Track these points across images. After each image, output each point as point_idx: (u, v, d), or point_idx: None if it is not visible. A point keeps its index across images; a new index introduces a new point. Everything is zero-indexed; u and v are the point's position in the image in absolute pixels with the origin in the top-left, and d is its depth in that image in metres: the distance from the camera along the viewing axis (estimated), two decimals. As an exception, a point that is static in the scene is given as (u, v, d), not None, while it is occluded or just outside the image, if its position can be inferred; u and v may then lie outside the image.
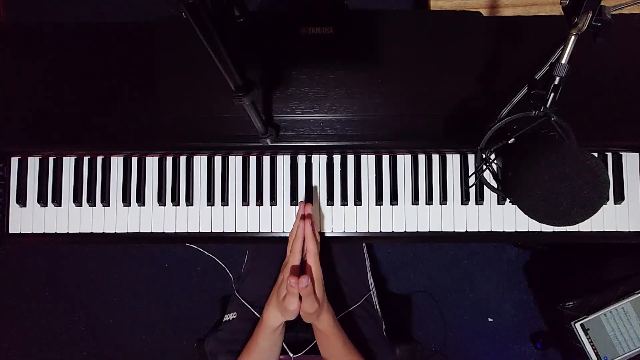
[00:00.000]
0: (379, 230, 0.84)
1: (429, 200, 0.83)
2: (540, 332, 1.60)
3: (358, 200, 0.84)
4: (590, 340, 1.14)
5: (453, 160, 0.84)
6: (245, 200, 0.84)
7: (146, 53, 0.80)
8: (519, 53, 0.79)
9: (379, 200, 0.84)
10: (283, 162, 0.85)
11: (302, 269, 0.73)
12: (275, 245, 0.95)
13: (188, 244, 1.50)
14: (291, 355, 0.84)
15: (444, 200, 0.84)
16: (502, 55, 0.79)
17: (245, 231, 0.84)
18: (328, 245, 0.96)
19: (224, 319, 0.97)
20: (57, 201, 0.84)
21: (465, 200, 0.84)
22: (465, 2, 0.97)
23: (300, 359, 0.85)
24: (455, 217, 0.84)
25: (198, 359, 1.01)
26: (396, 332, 1.01)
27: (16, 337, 1.65)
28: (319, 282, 0.71)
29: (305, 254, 0.74)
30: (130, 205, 0.85)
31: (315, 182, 0.85)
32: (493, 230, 0.84)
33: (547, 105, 0.55)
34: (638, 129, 0.79)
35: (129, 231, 0.84)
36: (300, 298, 0.69)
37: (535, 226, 0.84)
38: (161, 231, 0.84)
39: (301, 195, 0.85)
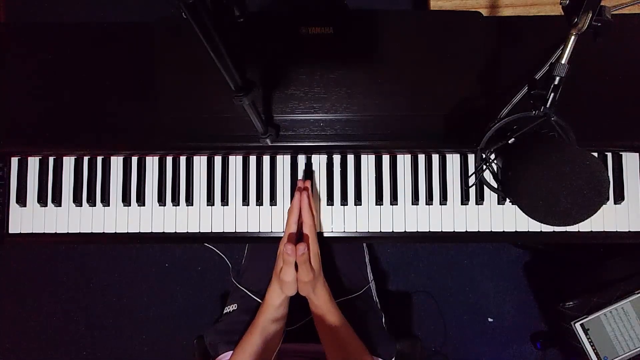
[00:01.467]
0: (379, 230, 0.84)
1: (429, 200, 0.83)
2: (540, 332, 1.60)
3: (358, 200, 0.84)
4: (590, 340, 1.14)
5: (453, 160, 0.84)
6: (245, 200, 0.84)
7: (146, 53, 0.80)
8: (519, 53, 0.79)
9: (379, 200, 0.84)
10: (283, 162, 0.85)
11: (299, 240, 0.75)
12: (276, 244, 0.96)
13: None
14: (285, 328, 0.84)
15: (444, 200, 0.84)
16: (502, 55, 0.79)
17: (245, 231, 0.84)
18: (327, 242, 0.96)
19: (224, 311, 0.98)
20: (57, 201, 0.84)
21: (465, 200, 0.84)
22: (465, 2, 0.97)
23: (291, 346, 0.85)
24: (455, 217, 0.84)
25: (198, 353, 1.01)
26: (396, 330, 1.01)
27: (16, 338, 1.65)
28: (314, 254, 0.74)
29: (302, 226, 0.76)
30: (130, 205, 0.85)
31: (315, 182, 0.85)
32: (493, 230, 0.84)
33: (547, 105, 0.55)
34: (638, 129, 0.79)
35: (129, 231, 0.84)
36: (296, 268, 0.71)
37: (535, 226, 0.84)
38: (161, 231, 0.84)
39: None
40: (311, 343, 0.83)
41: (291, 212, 0.76)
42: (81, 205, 0.85)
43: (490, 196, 0.84)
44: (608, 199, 0.83)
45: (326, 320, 0.77)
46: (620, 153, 0.84)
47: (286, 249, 0.69)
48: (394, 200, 0.84)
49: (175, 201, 0.84)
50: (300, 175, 0.85)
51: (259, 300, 0.91)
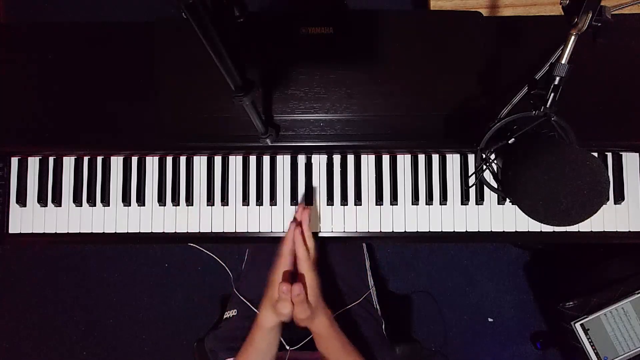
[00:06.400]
0: (379, 230, 0.84)
1: (429, 200, 0.83)
2: (540, 332, 1.60)
3: (358, 200, 0.84)
4: (590, 340, 1.14)
5: (453, 160, 0.84)
6: (245, 200, 0.84)
7: (146, 53, 0.79)
8: (519, 53, 0.79)
9: (379, 200, 0.84)
10: (283, 162, 0.85)
11: (296, 271, 0.73)
12: (276, 245, 0.95)
13: (190, 244, 1.51)
14: (288, 348, 0.84)
15: (444, 200, 0.84)
16: (502, 55, 0.79)
17: (245, 231, 0.84)
18: (328, 245, 0.96)
19: (224, 317, 0.97)
20: (57, 201, 0.84)
21: (465, 200, 0.84)
22: (465, 2, 0.97)
23: (297, 354, 0.85)
24: (455, 217, 0.84)
25: (198, 358, 1.01)
26: (396, 332, 1.01)
27: (16, 337, 1.65)
28: (312, 289, 0.71)
29: (297, 261, 0.73)
30: (130, 205, 0.85)
31: (315, 182, 0.85)
32: (493, 230, 0.84)
33: (547, 105, 0.55)
34: (638, 129, 0.79)
35: (129, 231, 0.84)
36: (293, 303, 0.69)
37: (535, 226, 0.84)
38: (161, 231, 0.84)
39: (301, 195, 0.85)
40: (316, 351, 0.83)
41: (284, 243, 0.73)
42: (81, 206, 0.85)
43: (490, 196, 0.84)
44: (608, 199, 0.83)
45: (327, 343, 0.75)
46: (620, 153, 0.84)
47: (281, 289, 0.66)
48: (394, 200, 0.84)
49: (175, 201, 0.84)
50: (300, 175, 0.85)
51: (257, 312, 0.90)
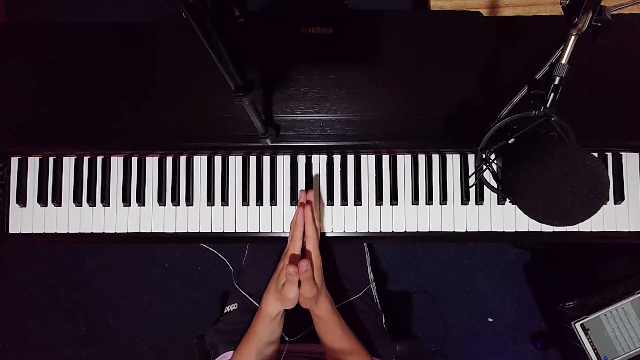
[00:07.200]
0: (379, 230, 0.84)
1: (429, 200, 0.83)
2: (540, 332, 1.60)
3: (358, 200, 0.84)
4: (590, 340, 1.14)
5: (453, 160, 0.84)
6: (245, 200, 0.84)
7: (146, 53, 0.80)
8: (519, 53, 0.79)
9: (379, 200, 0.84)
10: (283, 162, 0.85)
11: (302, 255, 0.74)
12: (276, 244, 0.96)
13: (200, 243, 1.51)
14: (287, 339, 0.84)
15: (444, 200, 0.84)
16: (502, 55, 0.79)
17: (245, 231, 0.84)
18: (328, 242, 0.96)
19: (225, 310, 0.98)
20: (57, 201, 0.84)
21: (465, 200, 0.84)
22: (465, 2, 0.97)
23: (296, 346, 0.85)
24: (455, 217, 0.84)
25: (198, 353, 1.01)
26: (396, 331, 1.01)
27: (16, 338, 1.65)
28: (317, 268, 0.72)
29: (305, 240, 0.74)
30: (130, 205, 0.85)
31: (315, 182, 0.85)
32: (493, 230, 0.84)
33: (547, 105, 0.55)
34: (638, 129, 0.79)
35: (129, 231, 0.84)
36: (299, 284, 0.69)
37: (535, 226, 0.84)
38: (161, 231, 0.84)
39: (301, 195, 0.85)
40: (315, 344, 0.83)
41: (295, 227, 0.73)
42: (81, 205, 0.85)
43: (490, 196, 0.84)
44: (608, 199, 0.83)
45: (328, 328, 0.76)
46: (620, 153, 0.84)
47: (288, 271, 0.66)
48: (394, 200, 0.84)
49: (175, 201, 0.84)
50: (300, 175, 0.85)
51: (257, 305, 0.91)
